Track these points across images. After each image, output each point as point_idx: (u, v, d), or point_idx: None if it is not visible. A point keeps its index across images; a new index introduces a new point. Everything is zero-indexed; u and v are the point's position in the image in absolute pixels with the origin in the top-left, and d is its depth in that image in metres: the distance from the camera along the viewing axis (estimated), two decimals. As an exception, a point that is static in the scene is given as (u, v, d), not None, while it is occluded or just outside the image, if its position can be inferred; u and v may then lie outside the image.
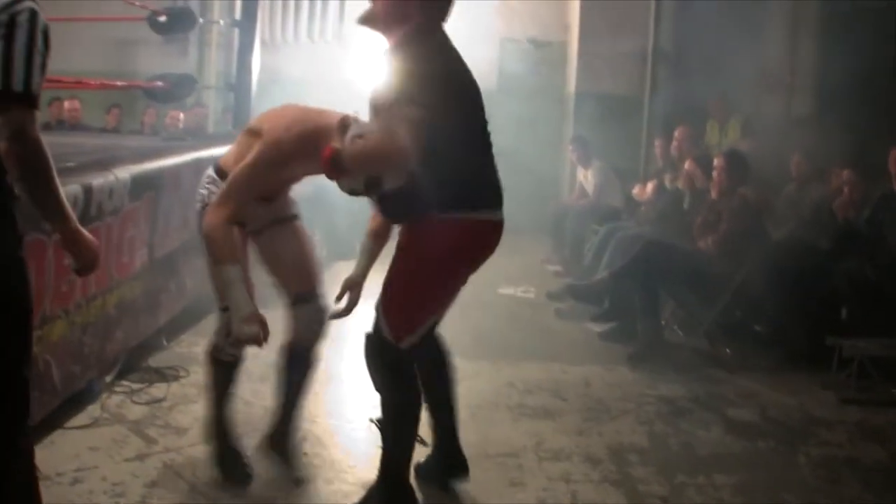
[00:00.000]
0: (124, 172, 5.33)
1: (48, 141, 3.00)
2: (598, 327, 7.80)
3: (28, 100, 2.86)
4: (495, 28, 13.72)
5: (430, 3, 3.90)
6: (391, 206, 3.93)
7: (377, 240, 4.42)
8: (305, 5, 13.54)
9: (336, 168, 3.64)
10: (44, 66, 2.94)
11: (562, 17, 13.69)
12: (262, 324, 3.86)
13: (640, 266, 7.16)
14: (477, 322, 7.65)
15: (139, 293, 5.79)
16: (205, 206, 4.15)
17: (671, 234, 7.85)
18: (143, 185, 5.65)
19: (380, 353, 4.01)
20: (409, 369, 4.12)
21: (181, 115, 11.18)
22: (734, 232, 7.09)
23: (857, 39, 10.64)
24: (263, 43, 11.69)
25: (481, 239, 4.09)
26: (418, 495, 4.26)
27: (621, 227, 8.87)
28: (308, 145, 3.85)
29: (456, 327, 7.24)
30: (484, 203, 4.06)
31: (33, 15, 2.89)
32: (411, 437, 4.13)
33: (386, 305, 3.96)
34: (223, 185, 3.98)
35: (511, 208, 11.56)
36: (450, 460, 4.59)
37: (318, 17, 13.57)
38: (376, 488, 4.19)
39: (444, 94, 3.72)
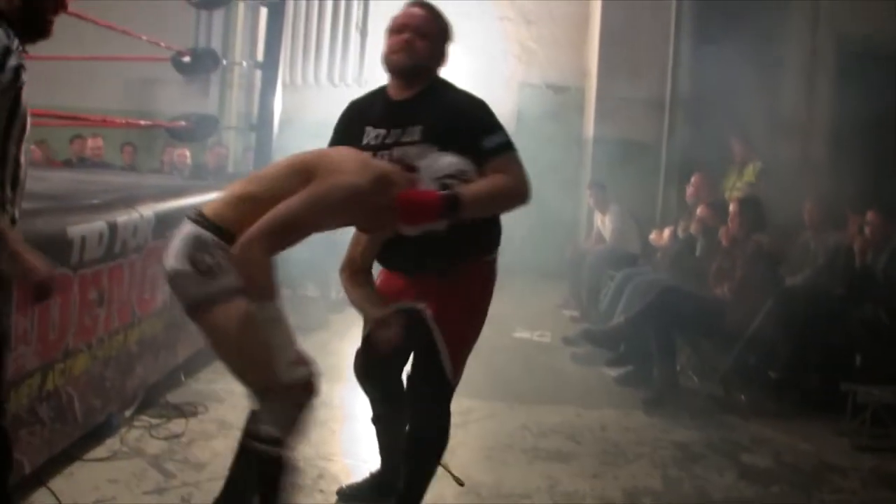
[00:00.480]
0: (148, 210, 5.42)
1: (75, 178, 3.10)
2: (613, 372, 7.83)
3: None
4: (514, 73, 13.86)
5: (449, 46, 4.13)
6: (456, 247, 3.95)
7: (366, 277, 4.31)
8: (326, 48, 13.67)
9: (450, 211, 3.63)
10: None
11: (580, 63, 13.80)
12: (312, 364, 3.57)
13: (655, 312, 7.19)
14: (492, 365, 7.66)
15: (160, 330, 5.86)
16: (205, 272, 3.51)
17: (687, 280, 7.88)
18: (167, 223, 5.71)
19: (440, 390, 4.17)
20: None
21: (187, 153, 11.28)
22: (749, 279, 7.12)
23: (873, 84, 10.70)
24: (284, 84, 11.81)
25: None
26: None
27: (638, 273, 8.89)
28: (381, 189, 3.58)
29: (471, 369, 7.28)
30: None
31: None
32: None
33: (452, 347, 4.11)
34: (268, 217, 3.37)
35: (528, 252, 11.70)
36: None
37: (338, 61, 13.70)
38: None
39: None
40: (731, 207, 7.67)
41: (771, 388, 7.31)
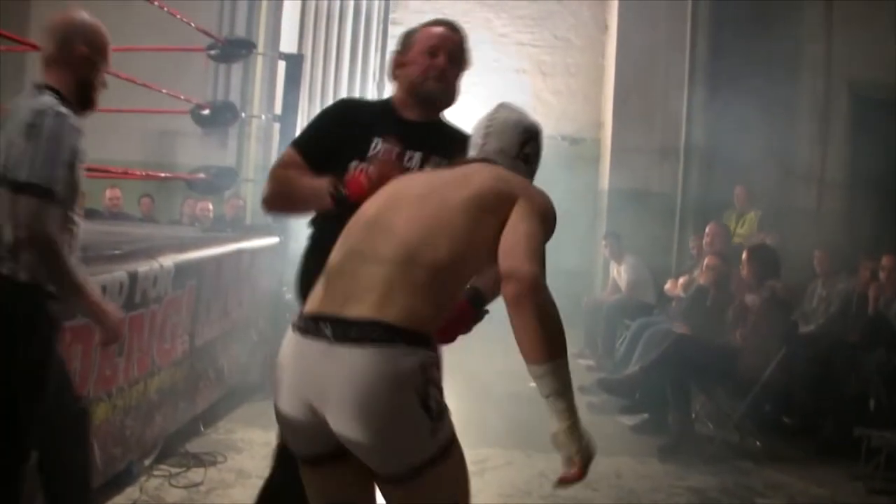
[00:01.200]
0: (168, 261, 5.50)
1: (96, 229, 3.29)
2: (629, 420, 7.86)
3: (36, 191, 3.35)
4: (530, 125, 13.98)
5: None
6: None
7: None
8: (343, 100, 13.81)
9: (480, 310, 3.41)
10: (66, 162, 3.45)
11: (595, 114, 13.95)
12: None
13: (670, 360, 7.23)
14: (508, 413, 7.73)
15: (179, 379, 5.92)
16: (437, 414, 2.67)
17: (702, 328, 7.92)
18: (186, 274, 5.81)
19: None
20: None
21: (210, 206, 11.39)
22: (762, 325, 7.16)
23: (886, 131, 10.79)
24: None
25: None
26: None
27: (653, 322, 8.94)
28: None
29: (489, 418, 7.37)
30: None
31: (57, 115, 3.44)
32: None
33: None
34: (529, 246, 2.74)
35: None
36: None
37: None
38: None
39: None
40: (743, 255, 7.73)
41: (785, 434, 7.35)
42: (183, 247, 6.03)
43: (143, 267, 5.11)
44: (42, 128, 3.39)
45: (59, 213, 3.46)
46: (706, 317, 8.05)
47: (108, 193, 11.69)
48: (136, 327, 5.09)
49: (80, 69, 3.70)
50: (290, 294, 9.88)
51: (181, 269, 5.69)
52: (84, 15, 3.76)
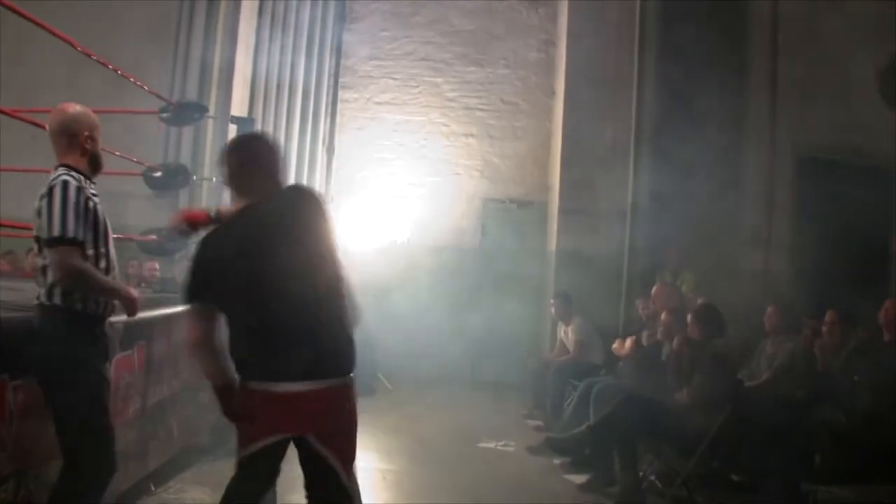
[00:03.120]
0: (117, 321, 5.50)
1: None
2: (577, 479, 7.88)
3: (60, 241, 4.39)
4: (477, 188, 14.13)
5: None
6: None
7: None
8: (294, 164, 13.87)
9: None
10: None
11: (543, 178, 14.12)
12: None
13: (618, 419, 7.27)
14: (458, 474, 7.77)
15: (131, 440, 5.91)
16: None
17: (649, 387, 7.99)
18: (135, 335, 5.82)
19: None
20: None
21: (157, 266, 11.37)
22: (707, 383, 7.23)
23: (829, 191, 10.99)
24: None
25: None
26: None
27: (600, 381, 9.02)
28: None
29: (437, 479, 7.39)
30: None
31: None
32: None
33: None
34: None
35: (492, 364, 11.75)
36: None
37: (305, 177, 13.90)
38: None
39: None
40: (689, 315, 7.83)
41: (734, 491, 7.39)
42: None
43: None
44: (53, 194, 4.45)
45: (83, 251, 4.49)
46: (656, 376, 8.11)
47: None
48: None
49: (86, 148, 4.83)
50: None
51: (130, 330, 5.70)
52: (76, 106, 4.87)
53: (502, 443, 9.35)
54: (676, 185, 11.36)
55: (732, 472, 7.47)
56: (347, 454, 4.23)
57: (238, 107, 12.49)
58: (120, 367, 5.56)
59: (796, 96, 12.28)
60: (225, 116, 11.14)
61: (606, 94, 12.64)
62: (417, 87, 14.40)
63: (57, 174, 4.56)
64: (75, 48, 6.30)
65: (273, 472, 4.38)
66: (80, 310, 4.51)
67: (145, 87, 7.66)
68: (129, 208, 12.57)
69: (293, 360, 4.02)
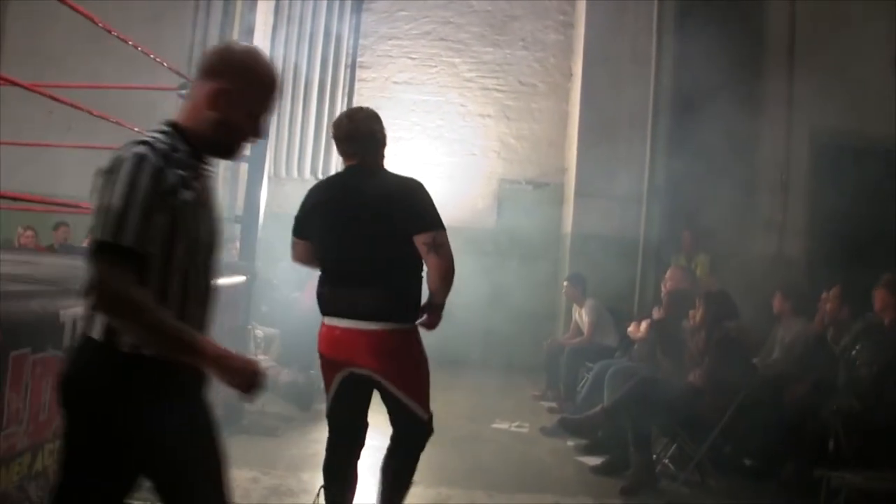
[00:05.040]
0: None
1: (66, 263, 2.96)
2: (590, 461, 7.90)
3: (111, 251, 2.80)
4: (494, 169, 14.11)
5: None
6: None
7: None
8: (311, 143, 13.88)
9: None
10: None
11: (559, 160, 14.11)
12: None
13: (631, 402, 7.25)
14: (471, 454, 7.78)
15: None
16: None
17: (664, 369, 7.98)
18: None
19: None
20: None
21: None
22: (718, 367, 7.22)
23: (846, 177, 10.93)
24: (269, 177, 11.98)
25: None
26: None
27: (615, 363, 9.00)
28: None
29: (451, 460, 7.41)
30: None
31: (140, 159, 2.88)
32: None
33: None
34: None
35: (507, 346, 11.72)
36: None
37: (322, 154, 13.89)
38: None
39: None
40: (698, 301, 7.80)
41: (746, 476, 7.39)
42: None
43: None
44: (117, 170, 2.90)
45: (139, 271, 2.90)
46: (670, 357, 8.08)
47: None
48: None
49: (218, 104, 3.14)
50: (258, 330, 9.99)
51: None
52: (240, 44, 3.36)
53: (516, 424, 9.37)
54: (693, 168, 11.34)
55: (745, 457, 7.47)
56: (419, 394, 4.92)
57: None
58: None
59: (814, 79, 12.21)
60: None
61: (624, 76, 12.63)
62: (435, 67, 14.38)
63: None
64: (95, 24, 6.26)
65: (357, 428, 5.06)
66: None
67: (164, 64, 7.63)
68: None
69: (364, 301, 4.75)
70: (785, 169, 12.54)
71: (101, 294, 2.76)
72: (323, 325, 4.94)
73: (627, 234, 12.41)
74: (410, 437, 4.98)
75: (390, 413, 4.94)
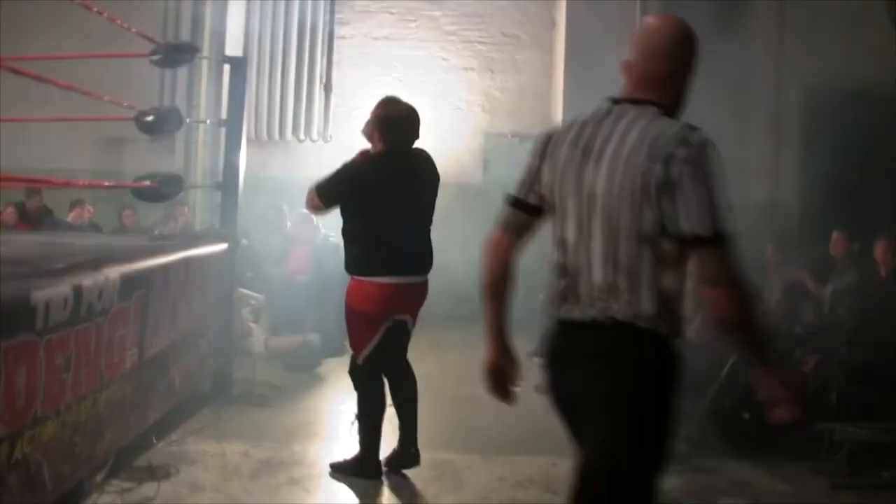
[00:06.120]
0: (114, 273, 5.35)
1: (40, 241, 3.07)
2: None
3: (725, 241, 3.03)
4: (479, 123, 13.92)
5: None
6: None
7: None
8: (291, 104, 13.68)
9: None
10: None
11: (546, 111, 13.88)
12: None
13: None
14: (465, 416, 7.66)
15: (129, 392, 5.78)
16: None
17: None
18: (133, 285, 5.66)
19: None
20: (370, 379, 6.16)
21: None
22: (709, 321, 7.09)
23: (839, 122, 10.80)
24: (250, 140, 11.79)
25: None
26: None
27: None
28: None
29: (444, 421, 7.29)
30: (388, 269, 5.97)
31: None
32: (376, 428, 6.16)
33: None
34: None
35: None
36: (403, 453, 6.24)
37: (303, 116, 13.70)
38: (354, 459, 6.20)
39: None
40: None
41: (747, 430, 7.27)
42: (129, 257, 5.87)
43: (87, 280, 4.96)
44: (701, 162, 3.06)
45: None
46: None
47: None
48: (83, 342, 4.94)
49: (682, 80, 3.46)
50: (252, 298, 9.91)
51: (127, 281, 5.55)
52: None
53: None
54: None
55: (745, 411, 7.35)
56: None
57: (232, 46, 12.28)
58: (116, 319, 5.41)
59: (804, 24, 12.11)
60: (219, 56, 10.91)
61: (609, 23, 12.37)
62: (415, 21, 14.10)
63: (684, 126, 3.19)
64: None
65: (401, 365, 6.37)
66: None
67: (133, 30, 7.41)
68: (127, 154, 12.48)
69: (424, 259, 6.13)
70: (776, 114, 12.38)
71: (733, 288, 3.01)
72: (370, 283, 5.94)
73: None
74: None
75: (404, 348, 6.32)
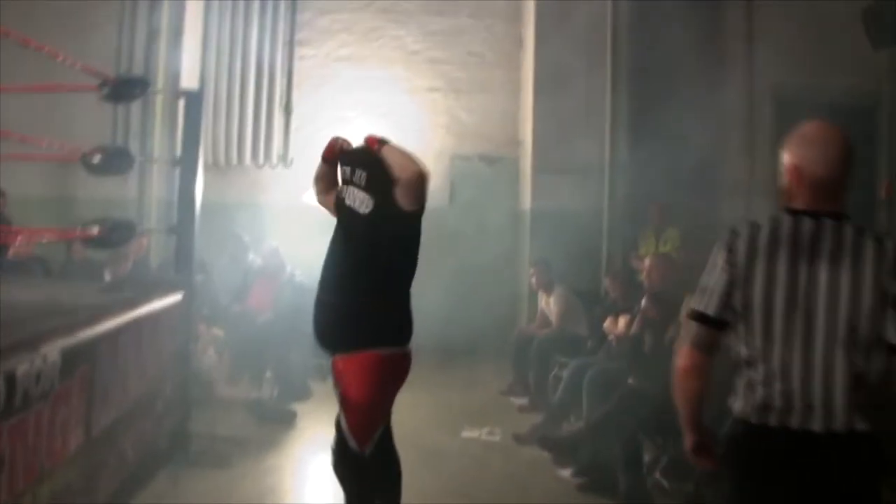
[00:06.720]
0: (54, 351, 4.77)
1: None
2: (575, 479, 7.24)
3: None
4: (444, 145, 13.47)
5: None
6: None
7: None
8: (249, 128, 13.21)
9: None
10: None
11: (513, 132, 13.54)
12: None
13: (619, 417, 6.70)
14: (444, 471, 7.31)
15: (74, 477, 5.21)
16: None
17: (646, 375, 7.34)
18: (77, 360, 5.09)
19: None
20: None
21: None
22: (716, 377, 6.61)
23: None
24: (206, 167, 11.26)
25: None
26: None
27: (591, 364, 8.35)
28: None
29: (423, 478, 6.81)
30: None
31: None
32: None
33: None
34: None
35: (465, 331, 11.19)
36: None
37: (262, 140, 13.24)
38: None
39: None
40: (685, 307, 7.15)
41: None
42: (71, 327, 5.28)
43: (22, 365, 4.38)
44: None
45: None
46: (649, 363, 7.46)
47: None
48: (18, 435, 4.37)
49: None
50: (216, 329, 9.41)
51: (70, 356, 4.97)
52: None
53: (486, 430, 8.76)
54: (655, 136, 10.85)
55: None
56: None
57: (189, 70, 11.85)
58: (57, 401, 4.84)
59: (774, 34, 11.90)
60: (173, 90, 10.43)
61: (578, 42, 12.03)
62: (378, 40, 13.67)
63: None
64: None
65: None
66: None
67: (77, 65, 6.83)
68: (81, 180, 11.88)
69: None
70: (749, 130, 12.13)
71: None
72: (402, 354, 4.97)
73: (590, 208, 11.89)
74: None
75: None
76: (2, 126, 6.60)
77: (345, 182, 5.03)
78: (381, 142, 4.93)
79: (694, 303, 3.54)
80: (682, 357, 3.57)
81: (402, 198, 4.79)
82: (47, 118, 7.81)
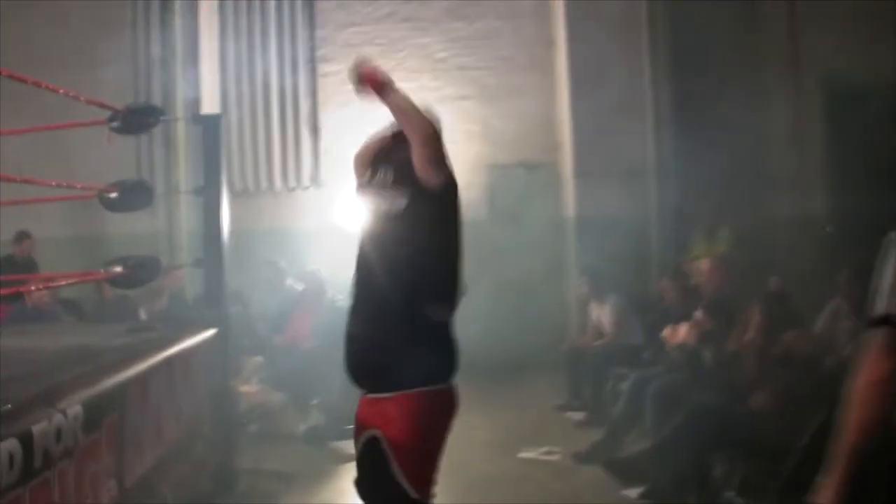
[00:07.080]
0: (74, 404, 4.39)
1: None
2: (642, 501, 6.81)
3: None
4: (480, 154, 13.07)
5: None
6: None
7: None
8: (277, 152, 12.90)
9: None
10: None
11: (550, 136, 13.18)
12: None
13: (688, 435, 6.30)
14: (503, 498, 6.97)
15: (109, 534, 4.84)
16: None
17: (709, 383, 6.92)
18: (102, 412, 4.72)
19: None
20: None
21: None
22: (785, 388, 6.17)
23: (862, 124, 10.28)
24: (235, 194, 10.97)
25: None
26: None
27: (653, 376, 7.93)
28: None
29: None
30: None
31: None
32: None
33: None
34: None
35: (513, 348, 10.80)
36: None
37: (291, 163, 12.93)
38: None
39: None
40: (754, 311, 6.72)
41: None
42: (93, 378, 4.90)
43: (39, 424, 4.00)
44: None
45: None
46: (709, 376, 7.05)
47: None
48: (41, 497, 3.99)
49: None
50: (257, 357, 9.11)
51: (94, 409, 4.59)
52: None
53: (545, 450, 8.34)
54: (699, 134, 10.48)
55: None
56: None
57: (208, 97, 11.60)
58: (84, 457, 4.46)
59: (819, 27, 11.47)
60: (194, 114, 10.17)
61: (612, 37, 11.71)
62: (403, 50, 13.38)
63: None
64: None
65: None
66: None
67: (81, 98, 6.49)
68: (107, 216, 11.66)
69: None
70: (797, 124, 11.72)
71: None
72: (436, 392, 4.13)
73: (637, 212, 11.58)
74: None
75: None
76: (21, 168, 6.28)
77: (363, 188, 4.34)
78: (383, 83, 4.25)
79: (879, 307, 2.87)
80: (874, 367, 2.84)
81: (420, 167, 4.01)
82: (67, 155, 7.53)
